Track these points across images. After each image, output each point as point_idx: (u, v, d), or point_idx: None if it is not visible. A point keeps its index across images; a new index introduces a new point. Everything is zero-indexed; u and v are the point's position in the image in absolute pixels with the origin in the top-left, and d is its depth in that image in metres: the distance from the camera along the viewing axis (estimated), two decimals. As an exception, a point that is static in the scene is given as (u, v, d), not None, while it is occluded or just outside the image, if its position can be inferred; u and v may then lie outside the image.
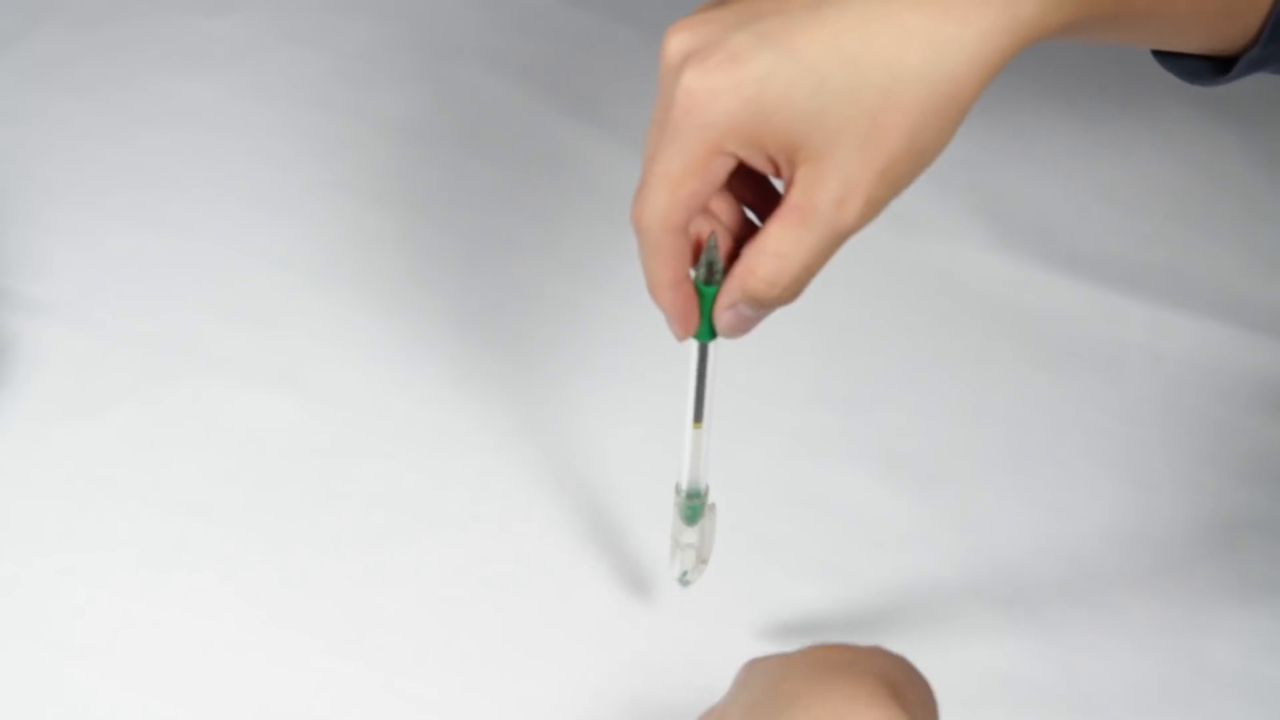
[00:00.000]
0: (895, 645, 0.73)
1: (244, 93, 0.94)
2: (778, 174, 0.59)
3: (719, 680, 0.71)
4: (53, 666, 0.70)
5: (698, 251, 0.61)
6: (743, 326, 0.62)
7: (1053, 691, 0.72)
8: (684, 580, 0.71)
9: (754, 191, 0.62)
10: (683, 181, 0.58)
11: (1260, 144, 0.96)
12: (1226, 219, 0.93)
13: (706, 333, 0.62)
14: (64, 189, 0.88)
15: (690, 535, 0.69)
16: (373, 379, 0.81)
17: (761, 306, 0.61)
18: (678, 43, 0.58)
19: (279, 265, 0.86)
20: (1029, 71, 0.97)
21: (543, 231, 0.88)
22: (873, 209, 0.58)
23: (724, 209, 0.62)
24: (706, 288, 0.61)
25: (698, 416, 0.66)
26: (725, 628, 0.73)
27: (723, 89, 0.56)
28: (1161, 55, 0.67)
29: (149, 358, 0.81)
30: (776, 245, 0.59)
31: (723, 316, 0.61)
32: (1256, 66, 0.65)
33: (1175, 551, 0.77)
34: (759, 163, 0.58)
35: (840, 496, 0.78)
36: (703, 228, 0.61)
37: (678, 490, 0.68)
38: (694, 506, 0.68)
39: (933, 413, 0.82)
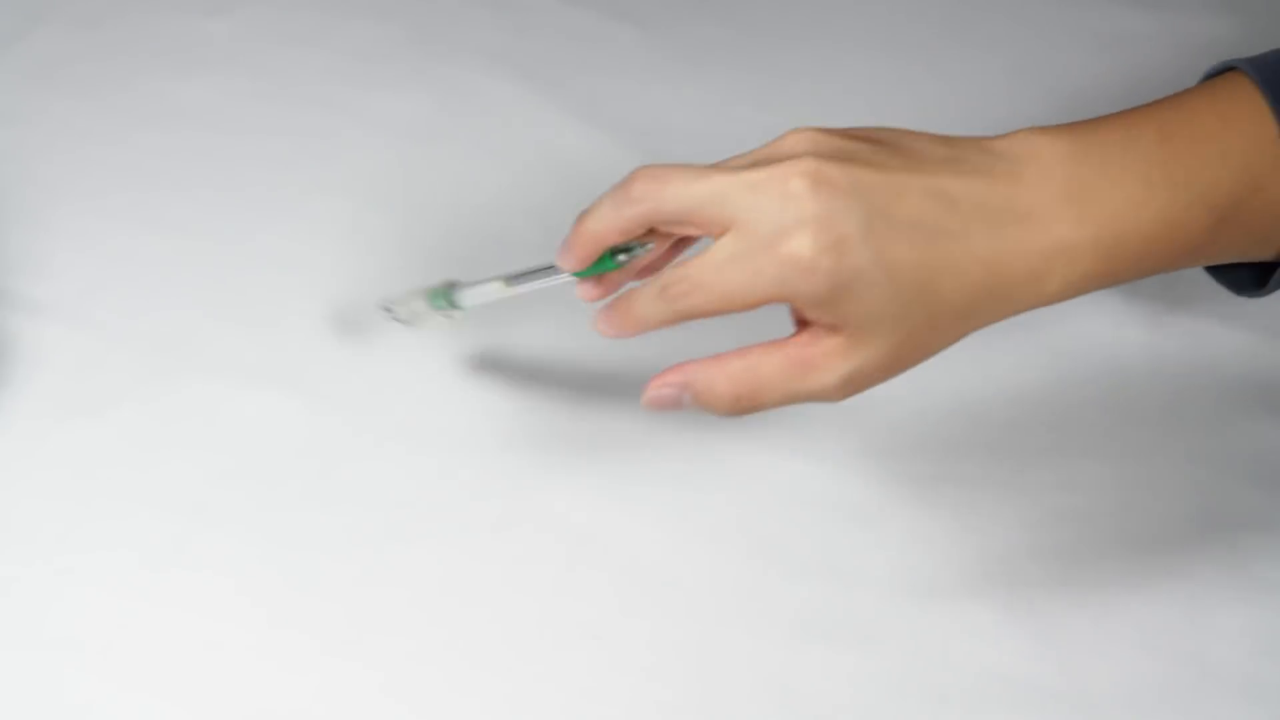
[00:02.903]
0: (895, 645, 0.73)
1: (244, 93, 0.94)
2: (802, 318, 0.65)
3: (718, 680, 0.71)
4: (53, 666, 0.70)
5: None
6: (662, 400, 0.67)
7: (1053, 691, 0.72)
8: (386, 308, 0.78)
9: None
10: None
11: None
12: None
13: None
14: (64, 189, 0.88)
15: (420, 306, 0.76)
16: (373, 379, 0.81)
17: (698, 405, 0.66)
18: (801, 142, 0.64)
19: (279, 265, 0.85)
20: (1030, 73, 0.97)
21: (543, 231, 0.88)
22: (850, 392, 0.65)
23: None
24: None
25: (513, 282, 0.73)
26: (725, 628, 0.73)
27: (821, 268, 0.62)
28: (1214, 270, 0.71)
29: (149, 358, 0.81)
30: (758, 374, 0.65)
31: (653, 392, 0.67)
32: None
33: (1175, 551, 0.77)
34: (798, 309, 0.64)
35: (840, 496, 0.78)
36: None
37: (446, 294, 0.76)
38: (440, 299, 0.76)
39: (932, 412, 0.82)
